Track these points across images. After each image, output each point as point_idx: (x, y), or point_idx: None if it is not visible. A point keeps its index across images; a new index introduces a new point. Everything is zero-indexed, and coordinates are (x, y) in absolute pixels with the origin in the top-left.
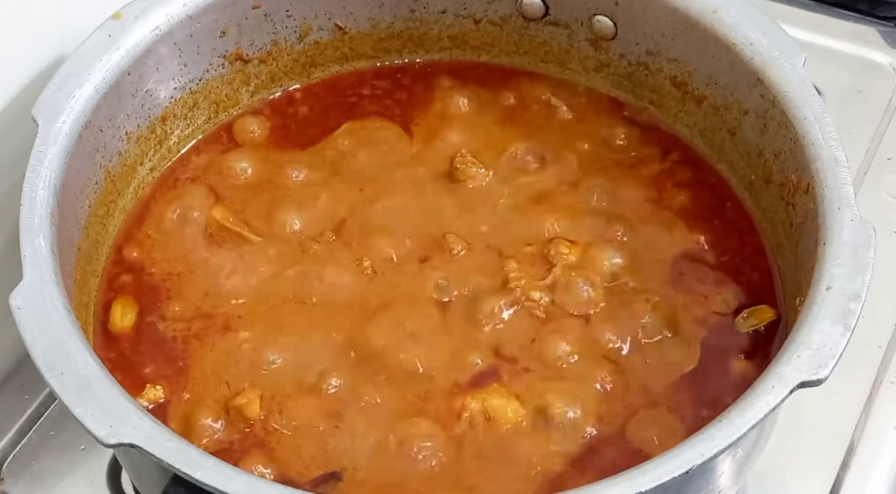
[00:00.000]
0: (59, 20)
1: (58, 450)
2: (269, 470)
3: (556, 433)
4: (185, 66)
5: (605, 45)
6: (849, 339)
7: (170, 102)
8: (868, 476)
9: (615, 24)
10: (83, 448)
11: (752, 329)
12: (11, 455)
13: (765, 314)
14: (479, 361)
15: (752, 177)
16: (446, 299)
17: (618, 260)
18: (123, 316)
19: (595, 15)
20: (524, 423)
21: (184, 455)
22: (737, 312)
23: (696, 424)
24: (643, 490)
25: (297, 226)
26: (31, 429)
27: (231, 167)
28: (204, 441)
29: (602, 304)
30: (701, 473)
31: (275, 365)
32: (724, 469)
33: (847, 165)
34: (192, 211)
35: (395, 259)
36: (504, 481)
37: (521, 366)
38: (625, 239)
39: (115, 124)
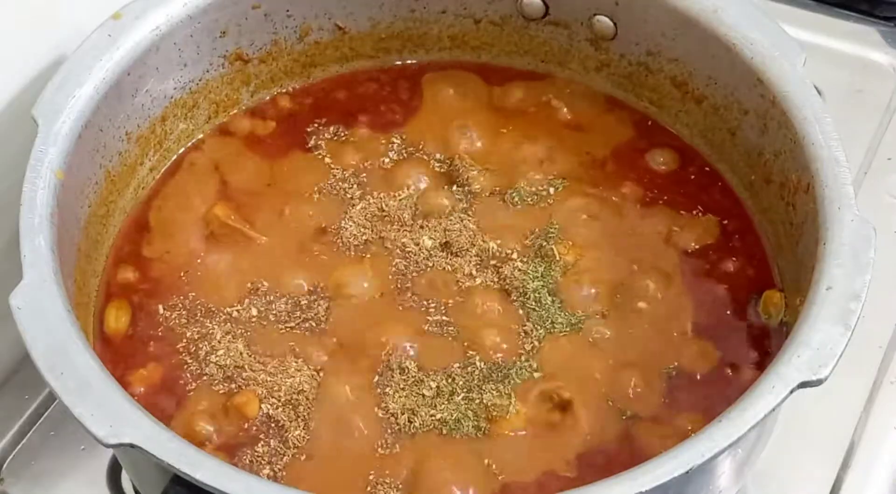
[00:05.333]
0: (59, 20)
1: (58, 450)
2: None
3: None
4: (185, 66)
5: (605, 45)
6: (849, 339)
7: (170, 102)
8: (868, 476)
9: (615, 23)
10: (83, 448)
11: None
12: (11, 455)
13: (773, 297)
14: None
15: (752, 177)
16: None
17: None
18: (118, 319)
19: (595, 15)
20: None
21: (184, 455)
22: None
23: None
24: (643, 490)
25: (297, 225)
26: (31, 429)
27: (231, 166)
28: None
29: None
30: (701, 473)
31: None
32: (724, 469)
33: (847, 165)
34: (193, 210)
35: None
36: None
37: None
38: (623, 240)
39: (115, 124)
